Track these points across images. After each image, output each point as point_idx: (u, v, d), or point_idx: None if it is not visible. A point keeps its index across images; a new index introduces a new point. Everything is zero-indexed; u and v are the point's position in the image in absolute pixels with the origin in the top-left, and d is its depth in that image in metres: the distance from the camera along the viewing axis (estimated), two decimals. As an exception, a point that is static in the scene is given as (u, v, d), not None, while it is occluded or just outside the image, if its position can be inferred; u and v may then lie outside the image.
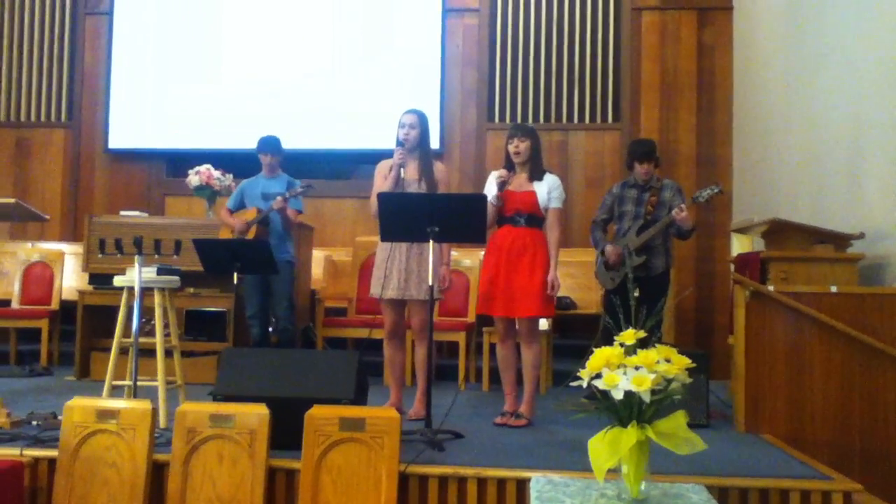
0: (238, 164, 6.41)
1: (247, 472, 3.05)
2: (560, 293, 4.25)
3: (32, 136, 7.95)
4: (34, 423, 3.65)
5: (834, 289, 3.92)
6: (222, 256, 4.42)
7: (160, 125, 7.71)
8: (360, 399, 3.47)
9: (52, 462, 3.19)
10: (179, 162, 7.48)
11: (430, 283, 3.74)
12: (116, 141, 7.75)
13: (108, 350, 3.98)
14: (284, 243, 5.06)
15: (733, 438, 3.76)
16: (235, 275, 4.47)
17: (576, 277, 6.38)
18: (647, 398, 2.29)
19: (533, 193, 4.03)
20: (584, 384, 2.40)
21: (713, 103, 7.23)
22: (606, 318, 3.37)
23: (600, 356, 2.39)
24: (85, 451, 3.13)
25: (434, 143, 5.00)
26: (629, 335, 2.42)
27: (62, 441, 3.15)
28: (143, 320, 4.12)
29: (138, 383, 3.78)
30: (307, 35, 7.56)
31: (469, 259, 5.73)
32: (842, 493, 2.94)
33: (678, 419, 2.41)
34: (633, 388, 2.29)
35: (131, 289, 3.85)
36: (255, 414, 3.11)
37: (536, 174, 4.06)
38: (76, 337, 5.46)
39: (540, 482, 2.61)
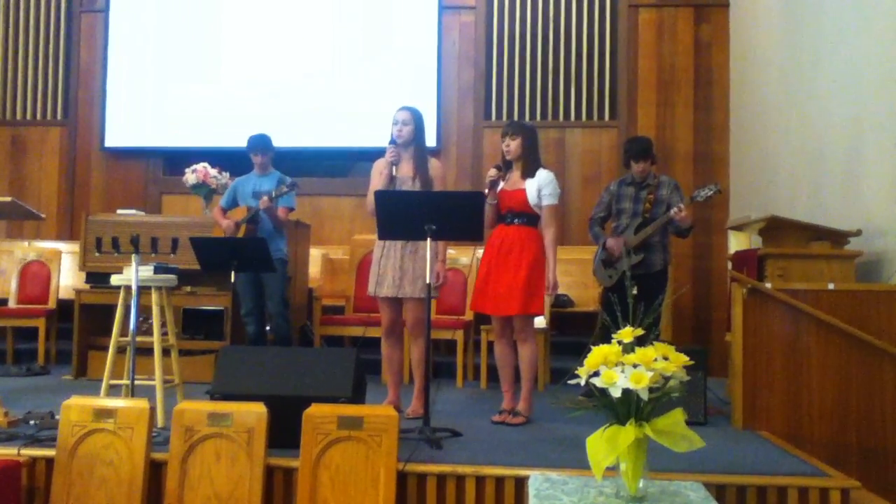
0: (235, 162, 6.39)
1: (245, 471, 3.05)
2: (558, 290, 4.25)
3: (28, 135, 7.93)
4: (31, 422, 3.64)
5: (831, 286, 3.93)
6: (219, 255, 4.42)
7: (157, 123, 7.69)
8: (357, 397, 3.47)
9: (49, 461, 3.18)
10: (176, 160, 7.46)
11: (427, 281, 3.73)
12: (113, 139, 7.74)
13: (106, 349, 3.98)
14: (275, 241, 5.06)
15: (731, 435, 3.76)
16: (233, 273, 4.47)
17: (573, 275, 6.38)
18: (645, 396, 2.29)
19: (523, 192, 4.02)
20: (583, 382, 2.41)
21: (710, 100, 7.24)
22: (604, 316, 3.37)
23: (598, 354, 2.39)
24: (82, 451, 3.13)
25: (431, 141, 5.01)
26: (627, 333, 2.42)
27: (60, 440, 3.15)
28: (141, 319, 4.12)
29: (136, 382, 3.77)
30: (305, 33, 7.55)
31: (466, 257, 5.73)
32: (839, 490, 2.94)
33: (676, 416, 2.41)
34: (631, 386, 2.29)
35: (128, 287, 3.84)
36: (253, 412, 3.10)
37: (529, 171, 4.04)
38: (73, 336, 5.44)
39: (538, 480, 2.61)
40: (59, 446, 3.14)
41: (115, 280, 3.94)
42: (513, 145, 4.03)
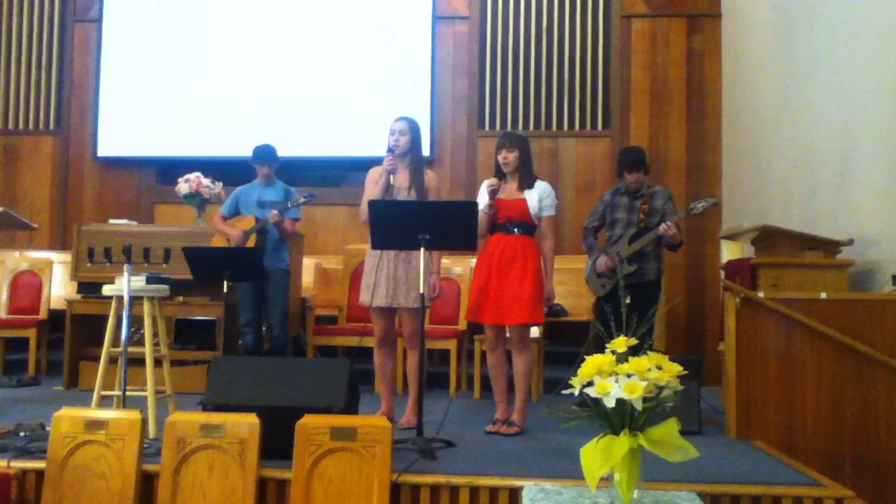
0: (228, 171, 6.39)
1: (237, 482, 3.03)
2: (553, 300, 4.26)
3: (20, 144, 7.90)
4: (22, 433, 3.61)
5: (824, 295, 3.93)
6: (212, 264, 4.41)
7: (150, 133, 7.68)
8: (351, 408, 3.45)
9: (40, 474, 3.15)
10: (169, 170, 7.45)
11: (421, 291, 3.73)
12: (105, 149, 7.72)
13: (97, 359, 3.95)
14: (280, 252, 5.09)
15: (725, 445, 3.76)
16: (226, 283, 4.46)
17: (567, 284, 6.37)
18: (639, 405, 2.29)
19: (523, 201, 4.03)
20: (576, 392, 2.40)
21: (703, 110, 7.27)
22: (598, 325, 3.37)
23: (592, 364, 2.38)
24: (73, 462, 3.10)
25: (425, 151, 5.01)
26: (621, 342, 2.42)
27: (50, 452, 3.12)
28: (133, 329, 4.10)
29: (127, 393, 3.75)
30: (302, 43, 7.55)
31: (460, 266, 5.72)
32: (834, 500, 2.94)
33: (670, 426, 2.40)
34: (625, 396, 2.28)
35: (120, 298, 3.82)
36: (246, 423, 3.08)
37: (526, 182, 4.06)
38: (64, 346, 5.41)
39: (532, 490, 2.60)
40: (50, 458, 3.11)
41: (106, 290, 3.92)
42: (511, 157, 4.05)
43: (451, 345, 5.29)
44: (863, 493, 3.25)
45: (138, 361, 3.92)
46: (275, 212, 4.93)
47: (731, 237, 5.20)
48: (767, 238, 4.47)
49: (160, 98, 7.68)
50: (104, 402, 3.86)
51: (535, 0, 7.46)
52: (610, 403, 2.30)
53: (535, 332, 4.76)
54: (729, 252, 6.21)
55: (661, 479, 2.91)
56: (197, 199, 5.93)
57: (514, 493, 2.97)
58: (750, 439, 3.85)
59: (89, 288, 5.38)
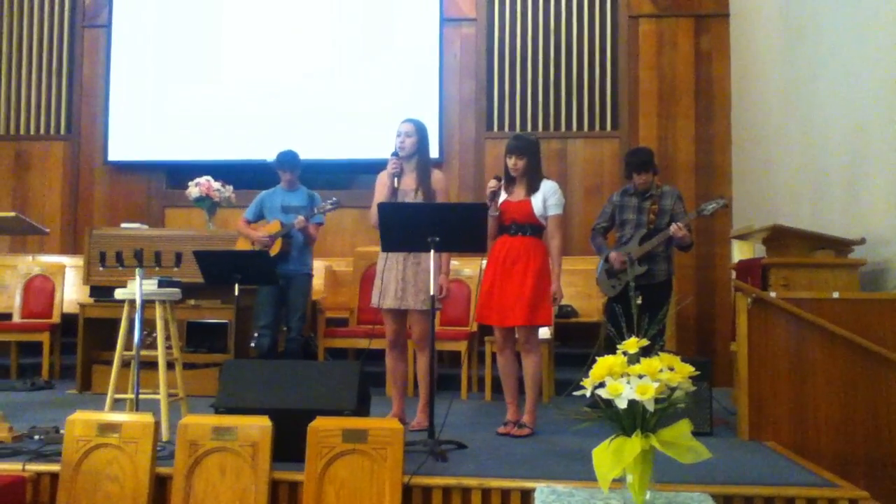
0: (238, 175, 6.42)
1: (249, 485, 3.04)
2: (562, 301, 4.25)
3: (32, 149, 7.95)
4: (36, 437, 3.65)
5: (836, 294, 3.92)
6: (223, 268, 4.43)
7: (160, 137, 7.71)
8: (362, 410, 3.46)
9: (54, 477, 3.18)
10: (179, 174, 7.47)
11: (431, 293, 3.73)
12: (116, 153, 7.75)
13: (110, 363, 3.98)
14: (304, 256, 5.15)
15: (737, 446, 3.75)
16: (237, 286, 4.47)
17: (577, 285, 6.37)
18: (650, 407, 2.28)
19: (528, 203, 4.04)
20: (588, 393, 2.40)
21: (711, 111, 7.24)
22: (608, 326, 3.36)
23: (603, 365, 2.38)
24: (87, 466, 3.12)
25: (433, 153, 5.01)
26: (632, 343, 2.41)
27: (64, 455, 3.14)
28: (145, 333, 4.13)
29: (140, 396, 3.77)
30: (307, 48, 7.57)
31: (469, 268, 5.73)
32: (848, 501, 2.93)
33: (682, 427, 2.40)
34: (637, 397, 2.28)
35: (132, 301, 3.85)
36: (258, 426, 3.10)
37: (534, 186, 4.07)
38: (77, 350, 5.44)
39: (544, 492, 2.59)
40: (64, 461, 3.14)
41: (118, 294, 3.95)
42: (520, 165, 4.06)
43: (462, 346, 5.30)
44: (876, 495, 3.22)
45: (151, 365, 3.95)
46: (301, 217, 4.98)
47: (742, 237, 5.18)
48: (778, 238, 4.46)
49: (169, 102, 7.71)
50: (117, 405, 3.89)
51: (542, 1, 7.46)
52: (621, 405, 2.30)
53: (545, 333, 4.76)
54: (740, 252, 6.20)
55: (673, 481, 2.91)
56: (207, 203, 5.96)
57: (526, 495, 2.97)
58: (762, 440, 3.83)
59: (101, 292, 5.41)
